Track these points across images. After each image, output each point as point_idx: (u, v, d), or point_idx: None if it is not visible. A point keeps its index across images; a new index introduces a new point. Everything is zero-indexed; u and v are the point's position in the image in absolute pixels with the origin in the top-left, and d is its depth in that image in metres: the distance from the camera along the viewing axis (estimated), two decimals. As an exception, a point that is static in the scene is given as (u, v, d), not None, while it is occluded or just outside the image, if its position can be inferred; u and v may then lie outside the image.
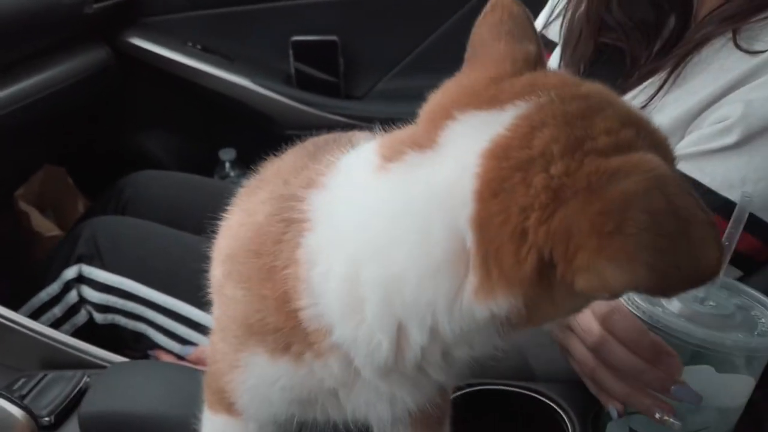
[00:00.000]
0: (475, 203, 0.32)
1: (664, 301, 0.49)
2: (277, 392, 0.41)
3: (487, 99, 0.35)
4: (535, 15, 1.08)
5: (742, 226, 0.47)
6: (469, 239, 0.32)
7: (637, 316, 0.47)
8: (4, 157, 1.20)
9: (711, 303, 0.49)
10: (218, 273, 0.46)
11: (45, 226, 1.28)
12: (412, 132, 0.38)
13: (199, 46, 1.47)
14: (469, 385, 0.57)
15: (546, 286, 0.32)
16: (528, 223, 0.31)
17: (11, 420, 0.43)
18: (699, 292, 0.49)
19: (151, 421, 0.54)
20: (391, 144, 0.38)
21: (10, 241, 1.29)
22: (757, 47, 0.59)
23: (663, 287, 0.31)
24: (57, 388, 0.60)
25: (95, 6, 1.25)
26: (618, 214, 0.29)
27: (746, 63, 0.59)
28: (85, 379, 0.62)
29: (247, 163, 1.71)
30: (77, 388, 0.61)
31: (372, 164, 0.37)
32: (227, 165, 1.57)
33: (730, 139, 0.57)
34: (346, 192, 0.38)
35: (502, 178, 0.32)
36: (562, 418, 0.54)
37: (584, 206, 0.29)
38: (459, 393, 0.57)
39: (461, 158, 0.33)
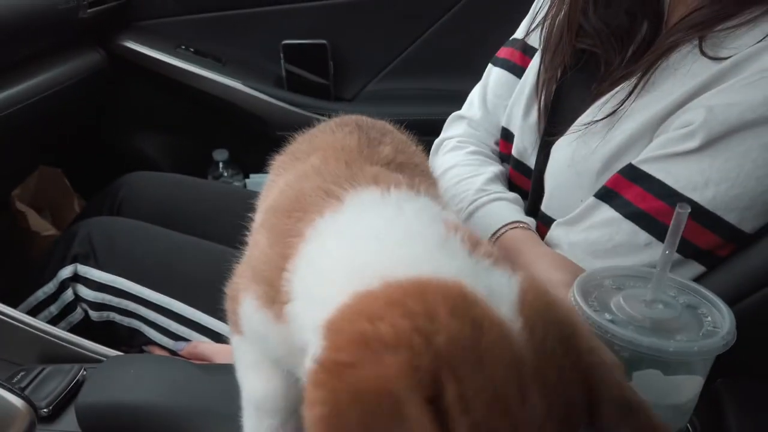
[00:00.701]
0: None
1: (613, 306, 0.50)
2: (260, 338, 0.46)
3: None
4: (517, 21, 1.14)
5: (679, 237, 0.48)
6: None
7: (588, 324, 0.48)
8: (1, 158, 1.22)
9: (659, 306, 0.50)
10: (257, 218, 0.52)
11: (42, 225, 1.31)
12: None
13: (191, 49, 1.50)
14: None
15: None
16: None
17: (12, 410, 0.45)
18: (647, 294, 0.50)
19: (144, 411, 0.57)
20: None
21: (6, 240, 1.31)
22: (721, 54, 0.61)
23: None
24: (55, 381, 0.62)
25: (89, 11, 1.27)
26: None
27: (710, 69, 0.61)
28: (82, 372, 0.64)
29: (240, 163, 1.75)
30: (74, 381, 0.63)
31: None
32: (220, 165, 1.60)
33: (693, 143, 0.59)
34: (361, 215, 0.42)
35: None
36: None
37: None
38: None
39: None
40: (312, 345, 0.35)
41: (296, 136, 0.69)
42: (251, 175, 1.63)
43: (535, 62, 0.83)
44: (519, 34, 0.93)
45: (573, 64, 0.76)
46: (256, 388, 0.49)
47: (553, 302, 0.38)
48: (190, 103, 1.55)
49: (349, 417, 0.29)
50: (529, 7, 1.45)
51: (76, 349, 0.71)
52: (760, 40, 0.59)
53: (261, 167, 1.57)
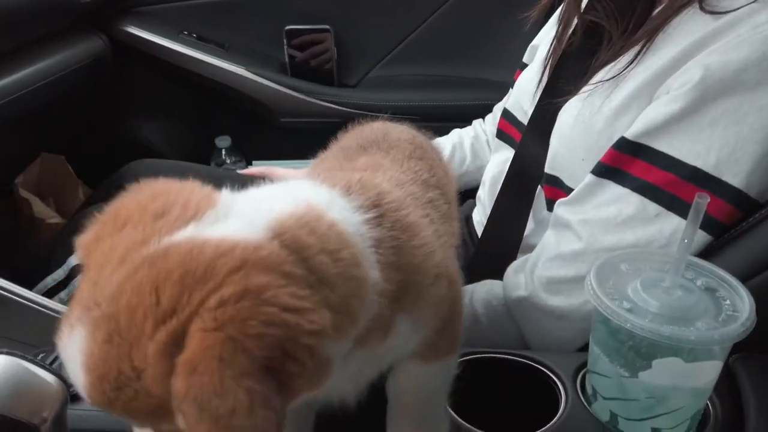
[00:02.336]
0: None
1: (630, 293, 0.51)
2: None
3: None
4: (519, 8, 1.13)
5: (698, 224, 0.49)
6: None
7: (606, 316, 0.49)
8: (4, 147, 1.22)
9: (678, 292, 0.50)
10: None
11: (46, 212, 1.30)
12: None
13: (194, 35, 1.49)
14: (469, 354, 0.61)
15: None
16: None
17: (47, 386, 0.46)
18: (665, 280, 0.51)
19: None
20: None
21: (10, 227, 1.31)
22: (719, 9, 0.62)
23: None
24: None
25: (91, -5, 1.26)
26: None
27: (706, 27, 0.63)
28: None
29: (243, 150, 1.74)
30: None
31: None
32: (223, 152, 1.60)
33: (693, 106, 0.60)
34: None
35: None
36: (554, 381, 0.59)
37: None
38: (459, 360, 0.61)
39: None
40: None
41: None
42: (254, 162, 1.62)
43: (547, 35, 0.88)
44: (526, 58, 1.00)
45: (581, 33, 0.79)
46: None
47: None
48: (193, 89, 1.55)
49: None
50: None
51: (93, 332, 0.72)
52: (754, 0, 0.60)
53: (263, 154, 1.58)
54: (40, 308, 0.73)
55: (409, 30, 1.52)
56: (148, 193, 0.40)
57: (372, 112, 1.39)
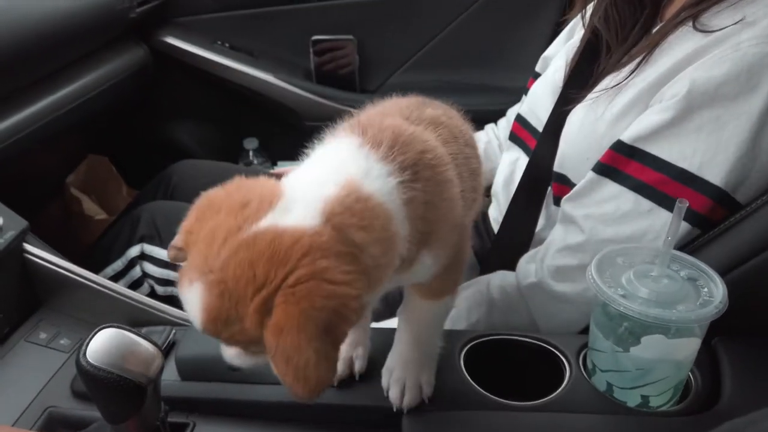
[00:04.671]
0: None
1: (624, 281, 0.60)
2: None
3: None
4: (536, 18, 1.22)
5: (680, 223, 0.59)
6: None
7: (604, 301, 0.59)
8: (58, 149, 1.33)
9: (664, 280, 0.60)
10: None
11: (94, 210, 1.42)
12: None
13: (226, 44, 1.59)
14: (487, 335, 0.71)
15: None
16: None
17: (150, 353, 0.56)
18: (654, 270, 0.61)
19: None
20: None
21: (61, 223, 1.42)
22: (708, 28, 0.71)
23: None
24: (154, 338, 0.73)
25: (137, 10, 1.37)
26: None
27: (696, 43, 0.71)
28: (173, 332, 0.76)
29: (269, 151, 1.85)
30: (168, 339, 0.75)
31: None
32: (251, 153, 1.70)
33: (680, 115, 0.69)
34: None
35: None
36: (560, 358, 0.69)
37: None
38: (472, 342, 0.71)
39: None
40: None
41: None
42: (279, 163, 1.73)
43: (560, 51, 0.97)
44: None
45: (584, 44, 0.89)
46: None
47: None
48: (224, 94, 1.65)
49: None
50: (543, 4, 1.55)
51: (160, 314, 0.83)
52: (738, 22, 0.69)
53: (288, 155, 1.68)
54: (115, 294, 0.84)
55: (427, 39, 1.61)
56: (232, 186, 0.53)
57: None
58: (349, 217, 0.50)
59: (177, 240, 0.53)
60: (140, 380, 0.54)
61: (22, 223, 0.84)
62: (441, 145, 0.60)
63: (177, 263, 0.55)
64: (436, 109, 0.68)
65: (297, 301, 0.46)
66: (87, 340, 0.54)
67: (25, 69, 1.08)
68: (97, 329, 0.56)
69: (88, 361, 0.53)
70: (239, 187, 0.53)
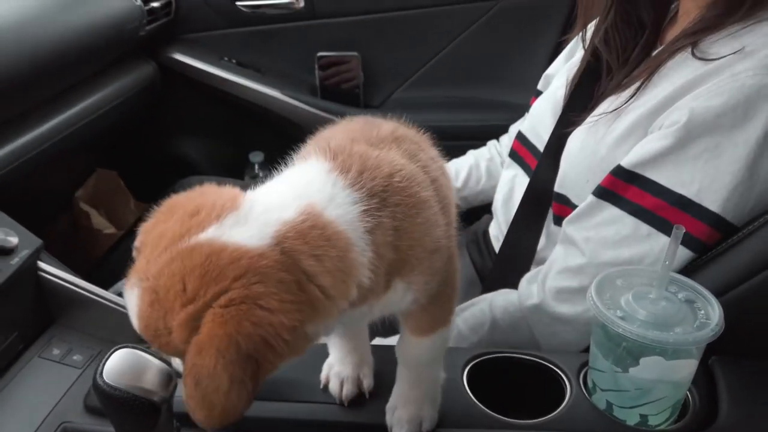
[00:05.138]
0: None
1: (623, 303, 0.62)
2: None
3: None
4: (537, 35, 1.24)
5: (677, 248, 0.60)
6: None
7: (603, 322, 0.61)
8: (67, 164, 1.36)
9: (662, 303, 0.62)
10: None
11: (102, 224, 1.44)
12: None
13: (233, 60, 1.62)
14: (490, 353, 0.73)
15: None
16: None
17: (163, 372, 0.57)
18: (652, 293, 0.62)
19: None
20: None
21: (69, 237, 1.44)
22: (707, 57, 0.73)
23: None
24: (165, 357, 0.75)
25: (147, 28, 1.39)
26: None
27: (695, 71, 0.73)
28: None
29: (274, 165, 1.87)
30: (179, 357, 0.77)
31: None
32: (256, 167, 1.72)
33: (679, 143, 0.71)
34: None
35: None
36: (561, 377, 0.70)
37: None
38: (475, 360, 0.73)
39: None
40: None
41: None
42: (284, 176, 1.75)
43: (561, 69, 0.99)
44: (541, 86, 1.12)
45: (585, 66, 0.91)
46: None
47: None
48: (231, 109, 1.68)
49: None
50: (542, 22, 1.58)
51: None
52: (736, 51, 0.71)
53: (294, 169, 1.71)
54: (122, 310, 0.85)
55: (430, 56, 1.64)
56: (194, 192, 0.53)
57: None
58: (302, 244, 0.48)
59: (137, 239, 0.53)
60: (155, 399, 0.55)
61: (36, 241, 0.86)
62: (409, 162, 0.57)
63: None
64: (389, 124, 0.65)
65: (224, 322, 0.44)
66: (103, 361, 0.56)
67: (38, 88, 1.10)
68: (112, 350, 0.57)
69: (105, 381, 0.55)
70: (202, 193, 0.52)
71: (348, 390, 0.66)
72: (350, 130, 0.62)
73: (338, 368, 0.68)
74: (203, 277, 0.45)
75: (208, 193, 0.52)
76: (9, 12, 1.04)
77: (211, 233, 0.47)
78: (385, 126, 0.63)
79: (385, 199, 0.53)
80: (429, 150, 0.67)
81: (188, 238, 0.47)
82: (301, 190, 0.52)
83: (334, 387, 0.67)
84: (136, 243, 0.53)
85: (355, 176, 0.53)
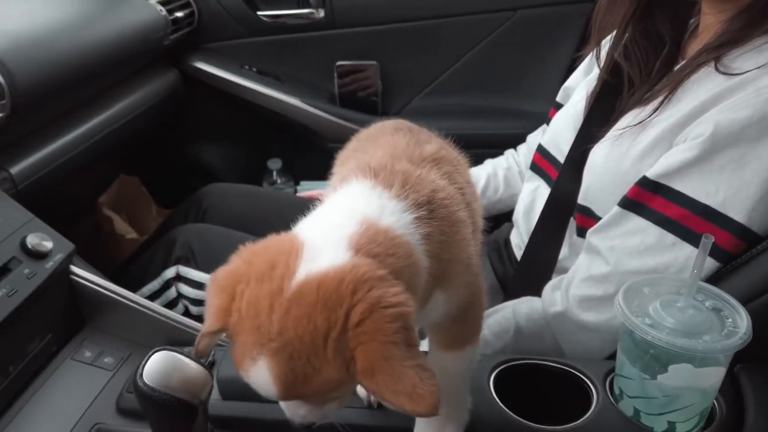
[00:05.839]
0: None
1: (651, 311, 0.63)
2: None
3: None
4: (552, 46, 1.25)
5: (705, 257, 0.61)
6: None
7: (631, 329, 0.62)
8: (92, 170, 1.38)
9: (690, 311, 0.62)
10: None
11: (125, 229, 1.46)
12: None
13: (254, 69, 1.64)
14: (516, 360, 0.74)
15: None
16: None
17: (200, 375, 0.59)
18: (680, 301, 0.63)
19: None
20: None
21: (92, 242, 1.47)
22: (731, 71, 0.74)
23: None
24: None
25: (170, 37, 1.42)
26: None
27: (720, 85, 0.74)
28: (213, 352, 0.79)
29: (292, 171, 1.90)
30: (209, 360, 0.78)
31: None
32: (274, 173, 1.75)
33: (704, 155, 0.71)
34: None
35: None
36: (587, 383, 0.71)
37: None
38: (501, 366, 0.73)
39: None
40: None
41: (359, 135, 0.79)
42: (301, 182, 1.77)
43: (580, 83, 1.00)
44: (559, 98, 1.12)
45: (605, 79, 0.92)
46: None
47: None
48: (251, 117, 1.70)
49: None
50: (560, 32, 1.59)
51: (197, 334, 0.86)
52: (761, 66, 0.71)
53: (311, 175, 1.73)
54: (154, 314, 0.88)
55: (447, 65, 1.66)
56: (247, 255, 0.52)
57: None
58: (376, 247, 0.50)
59: (212, 324, 0.52)
60: (193, 401, 0.57)
61: (69, 246, 0.88)
62: (448, 184, 0.60)
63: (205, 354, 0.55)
64: (433, 143, 0.67)
65: (371, 338, 0.46)
66: (143, 363, 0.57)
67: (68, 96, 1.13)
68: (151, 352, 0.59)
69: (145, 383, 0.56)
70: (254, 253, 0.52)
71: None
72: (394, 147, 0.64)
73: None
74: (325, 307, 0.47)
75: (261, 249, 0.53)
76: (44, 22, 1.07)
77: (303, 272, 0.48)
78: (429, 147, 0.65)
79: (433, 211, 0.55)
80: (465, 173, 0.69)
81: (287, 286, 0.48)
82: (351, 207, 0.54)
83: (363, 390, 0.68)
84: (213, 327, 0.52)
85: (399, 189, 0.55)
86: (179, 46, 1.55)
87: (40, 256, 0.83)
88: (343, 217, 0.53)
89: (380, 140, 0.68)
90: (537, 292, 0.88)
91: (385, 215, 0.53)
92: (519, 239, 1.05)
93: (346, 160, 0.71)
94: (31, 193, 1.03)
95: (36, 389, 0.79)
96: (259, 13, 1.61)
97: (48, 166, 1.09)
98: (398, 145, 0.64)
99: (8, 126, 0.94)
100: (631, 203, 0.78)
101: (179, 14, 1.47)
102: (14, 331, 0.78)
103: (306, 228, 0.54)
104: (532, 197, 1.03)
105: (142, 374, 0.57)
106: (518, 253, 1.03)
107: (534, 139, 1.19)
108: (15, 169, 1.01)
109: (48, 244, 0.84)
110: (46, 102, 1.05)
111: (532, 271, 0.94)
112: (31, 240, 0.83)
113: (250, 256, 0.52)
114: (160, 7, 1.39)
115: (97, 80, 1.20)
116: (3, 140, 0.99)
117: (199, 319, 1.07)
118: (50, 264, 0.83)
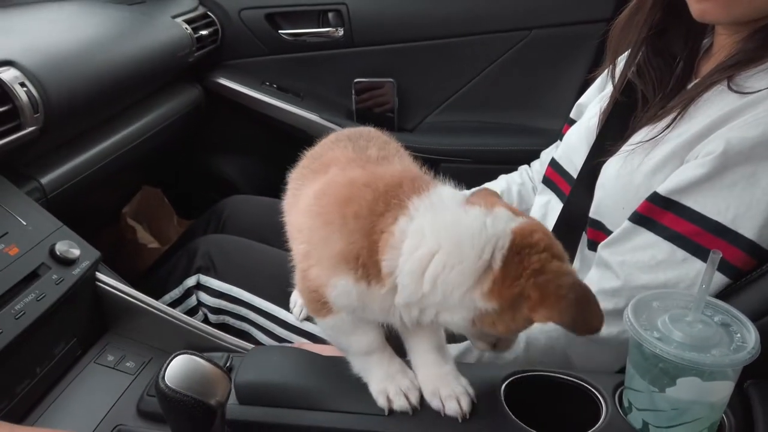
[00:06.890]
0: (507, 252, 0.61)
1: (660, 325, 0.63)
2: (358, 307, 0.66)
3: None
4: (564, 64, 1.26)
5: (713, 273, 0.62)
6: (497, 265, 0.61)
7: (640, 343, 0.63)
8: (117, 182, 1.43)
9: (698, 326, 0.63)
10: (295, 221, 0.78)
11: (147, 238, 1.50)
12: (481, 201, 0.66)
13: (274, 85, 1.69)
14: (526, 372, 0.75)
15: (514, 308, 0.61)
16: (523, 276, 0.61)
17: (220, 378, 0.61)
18: (688, 315, 0.64)
19: (292, 387, 0.72)
20: (471, 199, 0.66)
21: (113, 249, 1.51)
22: (744, 90, 0.75)
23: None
24: (213, 365, 0.79)
25: (195, 54, 1.47)
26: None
27: (732, 104, 0.75)
28: (231, 358, 0.82)
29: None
30: (227, 365, 0.81)
31: (459, 202, 0.65)
32: (293, 187, 1.78)
33: (715, 172, 0.72)
34: (441, 208, 0.64)
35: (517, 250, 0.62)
36: (597, 396, 0.72)
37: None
38: (512, 377, 0.75)
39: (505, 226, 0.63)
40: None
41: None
42: (318, 196, 1.80)
43: (594, 99, 1.01)
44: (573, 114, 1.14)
45: (619, 96, 0.94)
46: (361, 341, 0.70)
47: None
48: (271, 131, 1.74)
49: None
50: (573, 52, 1.61)
51: (218, 341, 0.89)
52: None
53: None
54: (176, 321, 0.90)
55: (463, 82, 1.69)
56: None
57: (427, 154, 1.56)
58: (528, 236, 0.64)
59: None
60: (212, 403, 0.59)
61: (95, 253, 0.92)
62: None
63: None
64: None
65: (543, 287, 0.61)
66: (164, 366, 0.60)
67: (99, 110, 1.17)
68: (172, 356, 0.61)
69: (167, 385, 0.58)
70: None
71: (415, 398, 0.69)
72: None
73: (400, 380, 0.71)
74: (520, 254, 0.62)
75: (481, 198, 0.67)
76: (77, 40, 1.12)
77: (510, 226, 0.63)
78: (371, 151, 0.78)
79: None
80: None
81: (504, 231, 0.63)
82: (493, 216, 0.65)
83: (400, 400, 0.70)
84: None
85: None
86: (203, 62, 1.60)
87: (68, 262, 0.86)
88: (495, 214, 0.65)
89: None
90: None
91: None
92: (532, 253, 1.06)
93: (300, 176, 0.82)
94: (60, 203, 1.07)
95: (61, 390, 0.82)
96: (280, 31, 1.66)
97: (76, 176, 1.13)
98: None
99: (40, 138, 0.98)
100: (642, 218, 0.79)
101: (204, 32, 1.52)
102: (42, 334, 0.81)
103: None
104: (544, 210, 1.04)
105: (164, 376, 0.59)
106: (531, 267, 1.04)
107: (548, 155, 1.20)
108: (45, 180, 1.05)
109: (75, 252, 0.88)
110: (76, 116, 1.10)
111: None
112: (60, 247, 0.86)
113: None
114: (185, 26, 1.44)
115: (125, 96, 1.25)
116: (35, 152, 1.03)
117: (217, 326, 1.11)
118: (77, 270, 0.87)
